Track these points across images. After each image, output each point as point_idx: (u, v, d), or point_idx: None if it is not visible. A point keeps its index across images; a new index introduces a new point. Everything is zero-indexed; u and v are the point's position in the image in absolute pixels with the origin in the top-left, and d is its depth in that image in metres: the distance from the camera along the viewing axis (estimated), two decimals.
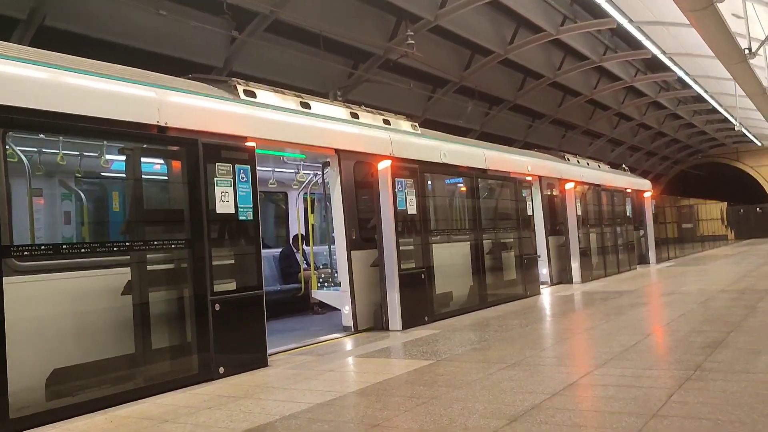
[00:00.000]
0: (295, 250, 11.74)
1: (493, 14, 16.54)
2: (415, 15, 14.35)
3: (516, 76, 20.70)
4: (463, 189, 11.30)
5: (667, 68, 20.68)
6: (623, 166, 24.23)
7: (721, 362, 5.55)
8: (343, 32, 13.68)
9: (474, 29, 16.16)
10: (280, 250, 11.95)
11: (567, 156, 17.56)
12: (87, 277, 5.48)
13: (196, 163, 6.17)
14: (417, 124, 11.16)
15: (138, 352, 5.74)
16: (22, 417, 4.70)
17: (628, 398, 4.59)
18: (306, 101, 8.75)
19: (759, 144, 37.95)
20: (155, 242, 6.04)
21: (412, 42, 13.92)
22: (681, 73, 20.87)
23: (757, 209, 42.30)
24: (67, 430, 4.64)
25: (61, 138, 6.48)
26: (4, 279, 4.73)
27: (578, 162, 17.89)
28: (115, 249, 5.85)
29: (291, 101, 8.49)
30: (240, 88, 7.78)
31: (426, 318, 9.17)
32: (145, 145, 6.19)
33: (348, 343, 8.00)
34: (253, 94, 7.88)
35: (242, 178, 6.58)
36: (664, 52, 18.27)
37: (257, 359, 6.60)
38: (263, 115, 7.77)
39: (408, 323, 8.74)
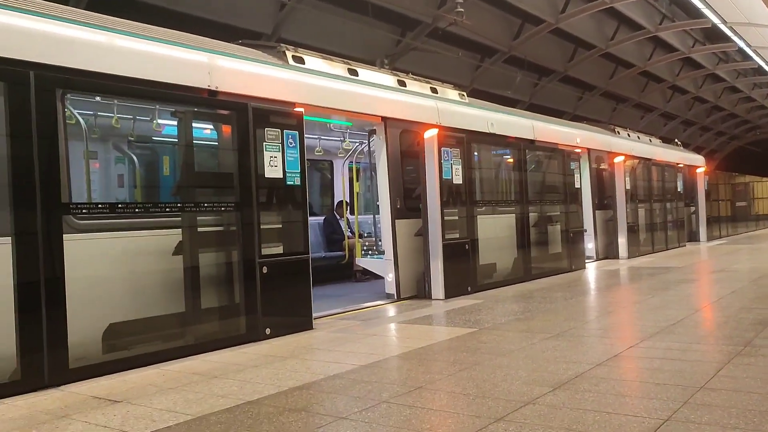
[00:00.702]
0: (338, 217, 11.84)
1: None
2: None
3: (567, 47, 20.21)
4: (510, 160, 11.18)
5: (727, 39, 19.90)
6: (675, 141, 23.56)
7: None
8: None
9: None
10: (324, 217, 12.07)
11: (617, 129, 17.16)
12: (141, 237, 5.66)
13: (245, 127, 6.25)
14: (465, 94, 11.04)
15: (188, 310, 5.92)
16: (80, 367, 4.92)
17: (674, 371, 4.54)
18: (354, 68, 8.73)
19: None
20: (205, 205, 6.18)
21: (461, 10, 13.71)
22: (742, 44, 20.07)
23: None
24: (121, 381, 4.83)
25: (115, 101, 6.63)
26: (64, 236, 4.91)
27: (629, 135, 17.46)
28: (167, 210, 6.00)
29: (339, 68, 8.49)
30: (289, 54, 7.82)
31: (469, 288, 9.18)
32: (195, 109, 6.29)
33: (391, 309, 8.08)
34: (301, 60, 7.91)
35: (290, 143, 6.64)
36: (724, 22, 17.57)
37: (303, 322, 6.73)
38: (311, 81, 7.79)
39: (451, 293, 8.77)
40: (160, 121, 7.20)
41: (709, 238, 20.35)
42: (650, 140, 19.24)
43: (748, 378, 4.26)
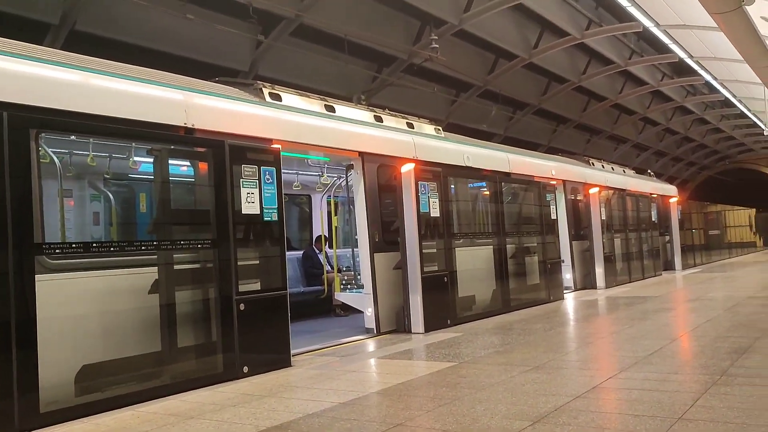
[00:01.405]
0: (317, 252, 11.81)
1: (517, 18, 16.52)
2: (440, 19, 14.38)
3: (540, 81, 20.61)
4: (487, 193, 11.28)
5: (694, 72, 20.45)
6: (649, 171, 23.98)
7: (748, 368, 5.48)
8: (368, 36, 13.75)
9: (498, 33, 16.15)
10: (303, 251, 12.04)
11: (592, 161, 17.44)
12: (115, 276, 5.59)
13: (222, 164, 6.26)
14: (441, 128, 11.17)
15: (164, 350, 5.83)
16: (52, 411, 4.80)
17: (652, 402, 4.56)
18: (330, 104, 8.81)
19: None
20: (182, 242, 6.14)
21: (437, 46, 13.95)
22: (708, 77, 20.60)
23: None
24: (94, 425, 4.72)
25: (91, 140, 6.60)
26: (37, 277, 4.84)
27: (603, 167, 17.74)
28: (142, 248, 5.95)
29: (316, 104, 8.56)
30: (266, 91, 7.87)
31: (448, 321, 9.17)
32: (172, 147, 6.29)
33: (370, 344, 8.03)
34: (278, 97, 7.97)
35: (267, 179, 6.65)
36: (691, 56, 18.07)
37: (281, 359, 6.66)
38: (288, 117, 7.84)
39: (430, 326, 8.76)
40: (136, 158, 7.18)
41: (684, 267, 20.63)
42: (624, 171, 19.57)
43: (725, 408, 4.30)
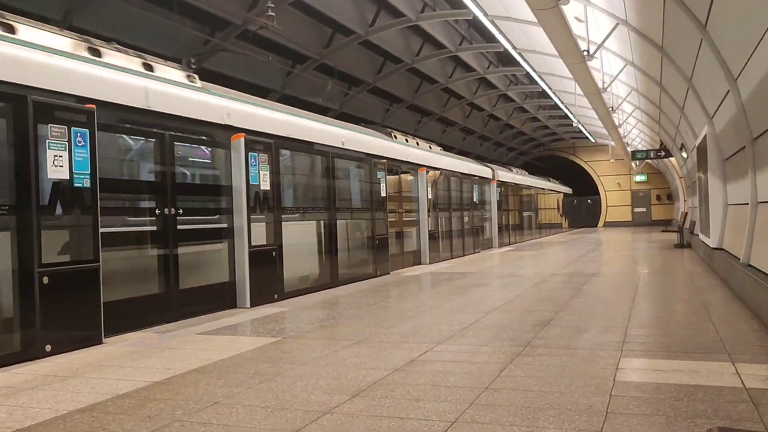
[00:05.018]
0: None
1: None
2: None
3: (376, 59, 20.89)
4: (319, 167, 11.26)
5: (516, 63, 21.80)
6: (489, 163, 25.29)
7: (548, 339, 5.99)
8: None
9: (336, 7, 16.07)
10: None
11: (417, 142, 18.00)
12: None
13: (24, 122, 5.61)
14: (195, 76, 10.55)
15: None
16: None
17: (463, 373, 4.82)
18: (149, 63, 8.19)
19: (593, 140, 41.31)
20: None
21: (272, 14, 13.56)
22: (528, 69, 22.08)
23: (588, 201, 46.25)
24: None
25: None
26: None
27: (430, 148, 18.42)
28: None
29: (134, 63, 7.94)
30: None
31: (275, 296, 9.08)
32: None
33: (191, 320, 7.71)
34: (97, 54, 7.28)
35: (79, 142, 6.08)
36: (514, 47, 19.22)
37: (91, 336, 6.19)
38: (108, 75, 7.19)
39: (256, 301, 8.61)
40: None
41: (500, 245, 22.17)
42: (454, 155, 20.46)
43: (526, 377, 4.65)
